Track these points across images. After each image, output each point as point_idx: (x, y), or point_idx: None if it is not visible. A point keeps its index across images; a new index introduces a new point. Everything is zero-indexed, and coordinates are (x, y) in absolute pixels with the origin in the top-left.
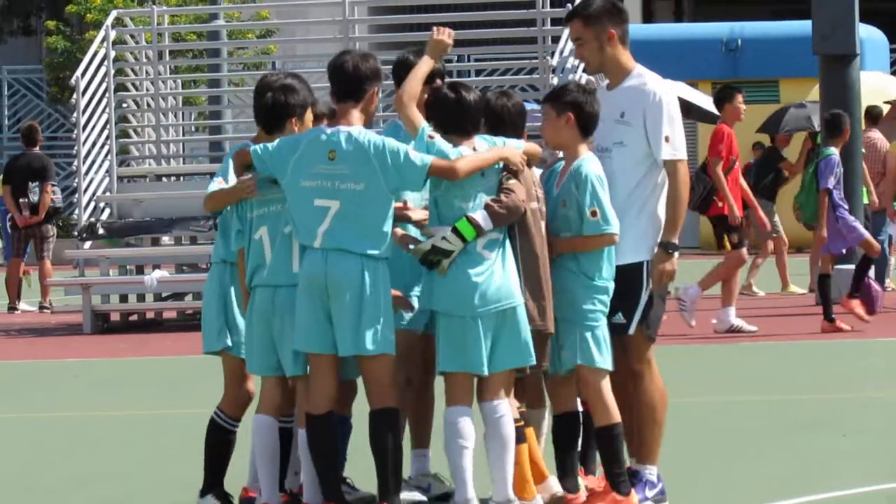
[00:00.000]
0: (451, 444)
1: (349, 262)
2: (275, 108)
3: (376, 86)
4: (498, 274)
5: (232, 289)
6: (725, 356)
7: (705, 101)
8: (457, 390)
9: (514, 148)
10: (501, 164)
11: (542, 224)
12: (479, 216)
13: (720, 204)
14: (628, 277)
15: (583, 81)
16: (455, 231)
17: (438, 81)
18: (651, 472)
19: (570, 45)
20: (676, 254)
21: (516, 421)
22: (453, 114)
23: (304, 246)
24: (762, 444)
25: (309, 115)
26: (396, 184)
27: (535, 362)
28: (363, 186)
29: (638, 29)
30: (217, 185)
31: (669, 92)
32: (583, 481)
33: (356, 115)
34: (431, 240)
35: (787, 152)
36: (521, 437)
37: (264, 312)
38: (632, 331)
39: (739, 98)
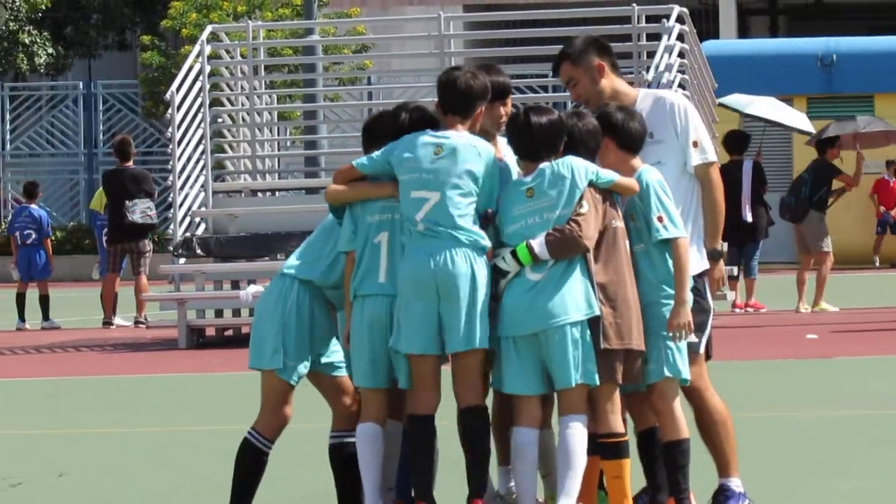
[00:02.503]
0: (515, 465)
1: (458, 256)
2: (412, 127)
3: (483, 104)
4: (542, 296)
5: (296, 308)
6: (813, 371)
7: (794, 118)
8: (521, 411)
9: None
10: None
11: (626, 242)
12: (537, 243)
13: None
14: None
15: (679, 94)
16: (513, 253)
17: (509, 101)
18: (738, 484)
19: (665, 60)
20: (722, 260)
21: (621, 435)
22: (523, 138)
23: (410, 242)
24: (848, 459)
25: None
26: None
27: (573, 384)
28: (471, 183)
29: (733, 44)
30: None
31: (684, 98)
32: None
33: (461, 128)
34: (496, 259)
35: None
36: (622, 452)
37: (379, 322)
38: (702, 349)
39: None
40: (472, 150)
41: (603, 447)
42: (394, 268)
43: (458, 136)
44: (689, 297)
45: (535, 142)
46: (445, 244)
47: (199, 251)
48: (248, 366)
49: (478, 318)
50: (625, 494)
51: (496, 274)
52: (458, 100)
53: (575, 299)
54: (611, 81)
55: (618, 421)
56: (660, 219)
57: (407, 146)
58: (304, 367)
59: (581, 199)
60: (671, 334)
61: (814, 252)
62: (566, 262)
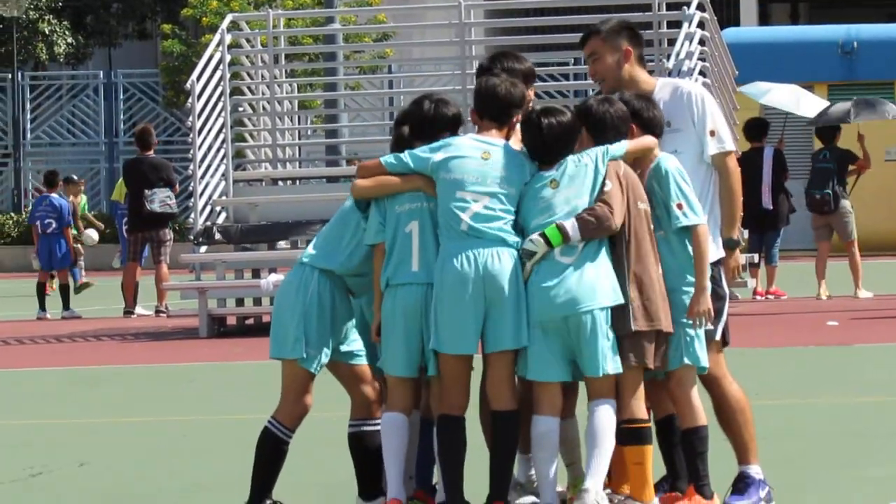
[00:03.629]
0: (536, 453)
1: (504, 256)
2: (438, 120)
3: (520, 112)
4: (573, 280)
5: (317, 297)
6: (833, 358)
7: (814, 106)
8: (542, 399)
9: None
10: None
11: (651, 225)
12: (569, 224)
13: None
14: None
15: (699, 81)
16: (542, 235)
17: (531, 93)
18: (758, 471)
19: (686, 47)
20: (738, 249)
21: (644, 421)
22: (535, 141)
23: (451, 242)
24: (868, 447)
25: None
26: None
27: (601, 372)
28: (514, 191)
29: (754, 32)
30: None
31: (701, 87)
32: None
33: (497, 135)
34: (524, 242)
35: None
36: (644, 438)
37: (414, 311)
38: (718, 336)
39: None
40: (517, 158)
41: (625, 433)
42: (426, 256)
43: (502, 143)
44: (709, 285)
45: (548, 144)
46: (491, 245)
47: (219, 237)
48: (269, 355)
49: (523, 316)
50: (645, 481)
51: (521, 256)
52: (497, 108)
53: (603, 285)
54: (632, 69)
55: (640, 407)
56: (679, 206)
57: (451, 148)
58: (325, 356)
59: (604, 179)
60: (692, 321)
61: (845, 240)
62: (595, 247)
